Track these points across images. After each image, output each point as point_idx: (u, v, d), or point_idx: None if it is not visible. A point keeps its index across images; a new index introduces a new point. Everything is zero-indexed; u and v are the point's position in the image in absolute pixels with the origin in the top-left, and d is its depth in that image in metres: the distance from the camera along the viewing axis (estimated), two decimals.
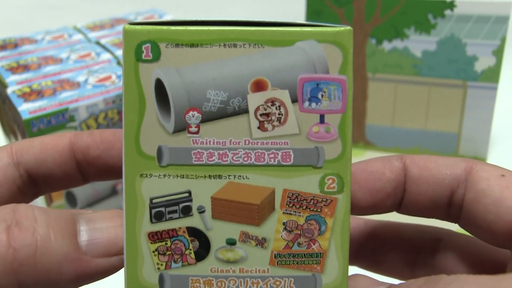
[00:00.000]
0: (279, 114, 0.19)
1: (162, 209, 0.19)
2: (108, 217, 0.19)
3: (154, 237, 0.19)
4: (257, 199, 0.19)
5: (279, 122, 0.19)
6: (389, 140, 0.63)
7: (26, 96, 0.46)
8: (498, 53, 0.55)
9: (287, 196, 0.19)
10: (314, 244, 0.19)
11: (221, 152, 0.19)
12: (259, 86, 0.18)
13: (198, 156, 0.19)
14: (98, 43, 0.56)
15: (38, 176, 0.22)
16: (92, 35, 0.58)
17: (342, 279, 0.19)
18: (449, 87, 0.59)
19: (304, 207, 0.19)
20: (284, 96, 0.18)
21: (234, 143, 0.19)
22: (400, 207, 0.22)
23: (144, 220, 0.19)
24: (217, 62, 0.18)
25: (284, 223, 0.19)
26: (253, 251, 0.19)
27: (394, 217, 0.23)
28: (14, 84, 0.48)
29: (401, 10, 0.57)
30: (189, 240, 0.19)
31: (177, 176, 0.19)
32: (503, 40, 0.55)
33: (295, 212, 0.19)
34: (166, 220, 0.19)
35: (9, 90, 0.47)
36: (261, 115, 0.19)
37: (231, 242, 0.19)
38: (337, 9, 0.59)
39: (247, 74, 0.18)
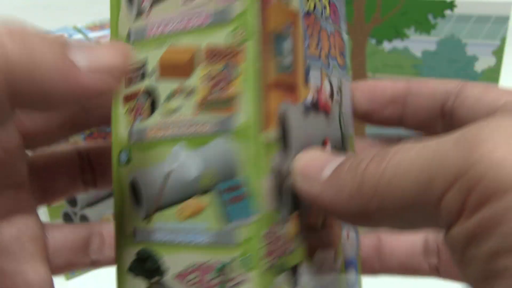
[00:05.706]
0: None
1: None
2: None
3: None
4: (186, 56, 0.22)
5: None
6: None
7: None
8: (498, 53, 0.56)
9: (208, 50, 0.22)
10: (228, 90, 0.22)
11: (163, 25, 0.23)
12: None
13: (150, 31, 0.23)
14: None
15: None
16: (92, 35, 0.58)
17: (254, 119, 0.21)
18: None
19: (221, 58, 0.22)
20: None
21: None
22: (402, 123, 0.26)
23: None
24: None
25: (205, 74, 0.22)
26: (185, 101, 0.22)
27: None
28: None
29: (401, 10, 0.57)
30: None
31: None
32: (503, 40, 0.55)
33: (214, 62, 0.22)
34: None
35: None
36: None
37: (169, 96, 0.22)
38: None
39: None
